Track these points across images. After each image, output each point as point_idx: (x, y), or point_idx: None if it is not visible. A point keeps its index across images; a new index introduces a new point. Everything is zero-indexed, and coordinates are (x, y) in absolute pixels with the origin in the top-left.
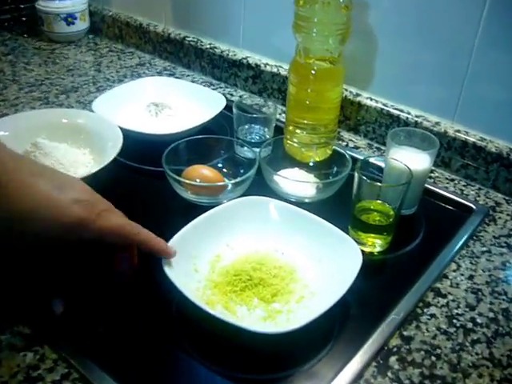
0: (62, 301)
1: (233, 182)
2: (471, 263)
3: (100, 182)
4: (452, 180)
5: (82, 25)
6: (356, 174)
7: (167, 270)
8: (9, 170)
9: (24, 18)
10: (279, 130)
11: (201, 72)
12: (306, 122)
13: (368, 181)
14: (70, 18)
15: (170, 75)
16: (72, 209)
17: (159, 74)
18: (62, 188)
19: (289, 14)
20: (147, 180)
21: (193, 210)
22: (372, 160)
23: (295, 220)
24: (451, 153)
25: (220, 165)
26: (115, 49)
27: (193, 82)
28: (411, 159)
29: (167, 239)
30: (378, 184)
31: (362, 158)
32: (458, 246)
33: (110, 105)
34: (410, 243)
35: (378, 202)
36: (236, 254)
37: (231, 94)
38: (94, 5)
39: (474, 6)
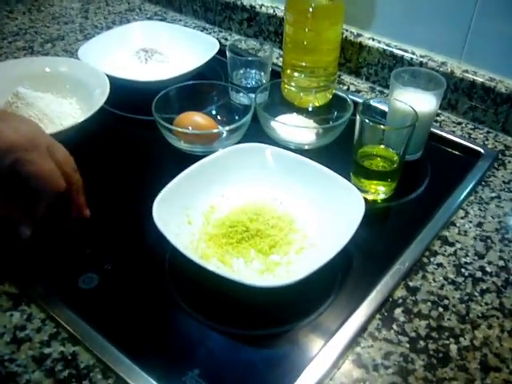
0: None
1: (227, 128)
2: (480, 210)
3: (88, 132)
4: (459, 123)
5: None
6: (358, 118)
7: (158, 222)
8: None
9: None
10: (276, 75)
11: (193, 16)
12: (304, 64)
13: (370, 124)
14: None
15: (160, 20)
16: (8, 133)
17: (149, 19)
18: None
19: None
20: (137, 130)
21: (186, 160)
22: (374, 103)
23: (294, 167)
24: (458, 94)
25: (214, 112)
26: None
27: (185, 26)
28: (416, 101)
29: (157, 189)
30: (381, 127)
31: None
32: (465, 192)
33: (97, 52)
34: (416, 190)
35: (382, 146)
36: (232, 205)
37: (225, 39)
38: None
39: None
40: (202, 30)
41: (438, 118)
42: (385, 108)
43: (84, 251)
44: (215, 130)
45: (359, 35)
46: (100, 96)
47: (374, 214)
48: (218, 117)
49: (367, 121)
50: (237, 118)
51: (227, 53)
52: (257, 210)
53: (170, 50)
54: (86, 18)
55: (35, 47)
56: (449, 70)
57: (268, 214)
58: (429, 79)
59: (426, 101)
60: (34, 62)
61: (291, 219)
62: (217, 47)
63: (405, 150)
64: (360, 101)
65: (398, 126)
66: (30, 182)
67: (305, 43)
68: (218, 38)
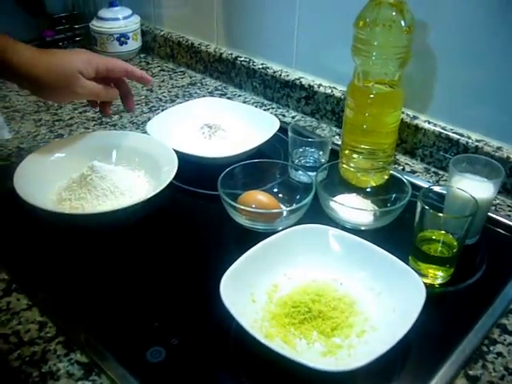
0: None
1: (289, 209)
2: None
3: (154, 204)
4: None
5: (134, 44)
6: (418, 204)
7: (225, 300)
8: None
9: (78, 38)
10: (333, 153)
11: (252, 92)
12: (363, 146)
13: (431, 211)
14: (122, 38)
15: (221, 95)
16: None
17: (210, 93)
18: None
19: (344, 33)
20: (201, 203)
21: (248, 236)
22: (434, 188)
23: (354, 249)
24: None
25: (275, 189)
26: (166, 68)
27: (244, 102)
28: (474, 188)
29: (221, 264)
30: (443, 215)
31: (424, 185)
32: None
33: (164, 126)
34: (473, 275)
35: (441, 232)
36: (294, 284)
37: (283, 115)
38: (146, 24)
39: None
40: (260, 106)
41: (493, 202)
42: (443, 191)
43: (152, 325)
44: (277, 210)
45: (415, 117)
46: (168, 173)
47: (431, 299)
48: (280, 194)
49: (428, 207)
50: (298, 196)
51: (289, 133)
52: (318, 290)
53: (233, 126)
54: (151, 91)
55: (104, 118)
56: (505, 154)
57: (329, 295)
58: (486, 166)
59: (485, 188)
60: (107, 135)
61: (352, 301)
62: (277, 125)
63: (464, 236)
64: (416, 182)
65: (458, 213)
66: (112, 69)
67: (364, 127)
68: (276, 114)
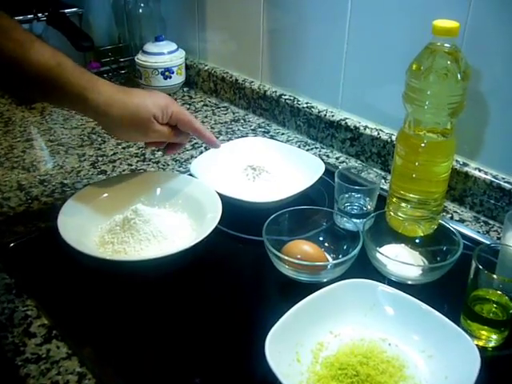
0: None
1: (335, 262)
2: None
3: (196, 249)
4: None
5: (178, 78)
6: (473, 263)
7: (270, 359)
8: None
9: (123, 71)
10: (380, 199)
11: (296, 131)
12: (411, 195)
13: (486, 272)
14: (167, 72)
15: (264, 133)
16: (162, 96)
17: (253, 131)
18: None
19: (393, 74)
20: (243, 248)
21: (291, 285)
22: (489, 245)
23: (404, 308)
24: None
25: (321, 238)
26: (209, 103)
27: (287, 140)
28: None
29: (264, 317)
30: (498, 277)
31: (474, 236)
32: None
33: (208, 167)
34: None
35: (496, 292)
36: (340, 343)
37: (327, 156)
38: (190, 58)
39: None
40: (304, 145)
41: None
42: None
43: (193, 381)
44: (323, 263)
45: (465, 164)
46: (213, 219)
47: (483, 363)
48: (326, 243)
49: (482, 267)
50: (344, 246)
51: (336, 179)
52: (366, 351)
53: (277, 168)
54: None
55: (147, 154)
56: None
57: (378, 357)
58: None
59: None
60: (151, 176)
61: (401, 364)
62: (322, 169)
63: None
64: (466, 232)
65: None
66: (184, 123)
67: (414, 175)
68: (319, 155)
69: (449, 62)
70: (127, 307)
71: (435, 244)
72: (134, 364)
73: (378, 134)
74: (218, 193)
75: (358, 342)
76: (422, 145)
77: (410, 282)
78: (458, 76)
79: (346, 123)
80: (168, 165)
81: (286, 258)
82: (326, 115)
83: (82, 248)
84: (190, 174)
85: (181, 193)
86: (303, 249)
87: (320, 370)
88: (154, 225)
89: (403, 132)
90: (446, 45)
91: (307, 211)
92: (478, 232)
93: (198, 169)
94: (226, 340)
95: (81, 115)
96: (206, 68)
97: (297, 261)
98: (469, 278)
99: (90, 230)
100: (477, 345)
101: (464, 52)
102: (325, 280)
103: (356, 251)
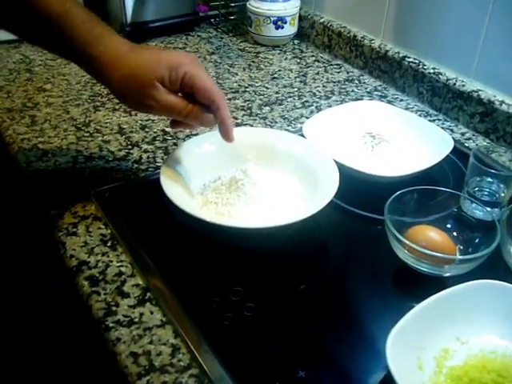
0: None
1: (467, 257)
2: None
3: (306, 222)
4: None
5: (290, 29)
6: None
7: (391, 364)
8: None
9: (232, 17)
10: None
11: (417, 98)
12: None
13: None
14: (279, 22)
15: (381, 97)
16: (176, 54)
17: (369, 93)
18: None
19: None
20: (357, 224)
21: (409, 274)
22: None
23: None
24: None
25: (449, 225)
26: (322, 59)
27: (407, 108)
28: None
29: (377, 307)
30: None
31: None
32: None
33: (321, 129)
34: None
35: None
36: (469, 352)
37: (451, 130)
38: (305, 9)
39: None
40: (425, 116)
41: None
42: None
43: (297, 374)
44: (452, 257)
45: None
46: (328, 190)
47: None
48: (454, 232)
49: None
50: (476, 239)
51: (470, 159)
52: (501, 368)
53: (398, 139)
54: (305, 84)
55: (253, 108)
56: None
57: None
58: None
59: None
60: (263, 133)
61: None
62: (451, 146)
63: None
64: None
65: None
66: (199, 89)
67: None
68: (442, 128)
69: None
70: (225, 276)
71: None
72: (231, 345)
73: None
74: (335, 160)
75: (490, 355)
76: None
77: None
78: None
79: (478, 95)
80: (276, 122)
81: (410, 243)
82: (455, 84)
83: (184, 206)
84: (301, 135)
85: (293, 155)
86: (431, 236)
87: (445, 382)
88: (264, 189)
89: None
90: None
91: (432, 192)
92: None
93: (311, 130)
94: (336, 332)
95: None
96: (322, 20)
97: (422, 249)
98: None
99: (194, 185)
100: None
101: None
102: (447, 274)
103: (493, 247)
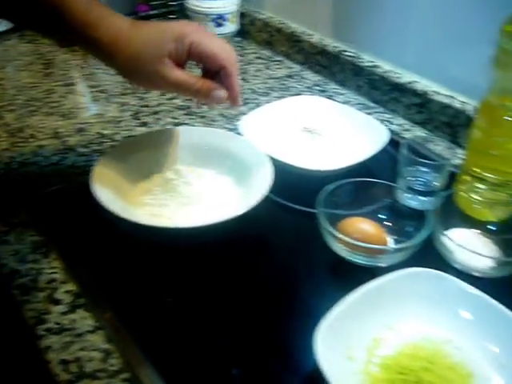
0: None
1: (399, 246)
2: None
3: (241, 218)
4: None
5: (230, 27)
6: None
7: (320, 356)
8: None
9: (172, 16)
10: (451, 175)
11: (356, 91)
12: (488, 175)
13: None
14: (219, 19)
15: (320, 92)
16: (178, 25)
17: (309, 88)
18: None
19: (478, 36)
20: (293, 219)
21: (345, 266)
22: None
23: (478, 308)
24: None
25: (381, 215)
26: (263, 55)
27: (346, 102)
28: None
29: (312, 299)
30: None
31: None
32: None
33: (259, 126)
34: None
35: None
36: (400, 341)
37: (389, 122)
38: (245, 6)
39: None
40: (364, 109)
41: None
42: None
43: (230, 372)
44: (384, 247)
45: None
46: (262, 186)
47: None
48: (387, 222)
49: None
50: (408, 227)
51: (403, 150)
52: (430, 355)
53: (335, 133)
54: (245, 81)
55: (192, 107)
56: None
57: (443, 363)
58: None
59: None
60: (197, 132)
61: (469, 373)
62: (386, 137)
63: None
64: None
65: None
66: (207, 57)
67: (494, 152)
68: (381, 120)
69: None
70: (162, 280)
71: (510, 232)
72: (164, 346)
73: (451, 101)
74: (270, 156)
75: (421, 342)
76: (507, 118)
77: (478, 274)
78: None
79: (413, 87)
80: (215, 120)
81: (342, 236)
82: (391, 76)
83: (117, 209)
84: (239, 133)
85: (228, 153)
86: (362, 227)
87: (376, 372)
88: (197, 188)
89: (487, 102)
90: None
91: (367, 184)
92: None
93: (248, 127)
94: (268, 326)
95: None
96: (262, 17)
97: (353, 241)
98: None
99: (128, 188)
100: None
101: None
102: (382, 264)
103: (424, 235)
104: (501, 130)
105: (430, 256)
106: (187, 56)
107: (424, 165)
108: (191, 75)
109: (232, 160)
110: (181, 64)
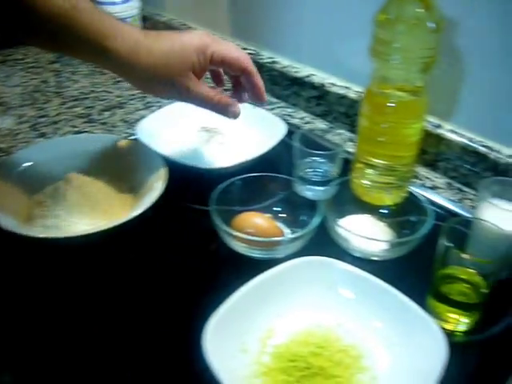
0: None
1: (290, 237)
2: None
3: (135, 220)
4: None
5: None
6: (441, 240)
7: (209, 352)
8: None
9: None
10: (347, 164)
11: None
12: (378, 160)
13: (455, 251)
14: None
15: (224, 91)
16: (196, 36)
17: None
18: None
19: (364, 25)
20: (192, 219)
21: (244, 262)
22: (459, 220)
23: (364, 290)
24: None
25: (277, 208)
26: None
27: None
28: (508, 219)
29: (212, 298)
30: (468, 257)
31: (447, 205)
32: None
33: (156, 129)
34: (503, 320)
35: (468, 270)
36: (293, 329)
37: (291, 116)
38: (147, 9)
39: None
40: (267, 104)
41: None
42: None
43: (125, 374)
44: (276, 239)
45: (439, 126)
46: (155, 189)
47: (452, 349)
48: (282, 214)
49: (451, 245)
50: (303, 217)
51: (294, 143)
52: (320, 340)
53: (234, 130)
54: None
55: (93, 114)
56: None
57: (333, 347)
58: None
59: None
60: (89, 140)
61: (359, 354)
62: (284, 131)
63: (494, 277)
64: (437, 201)
65: (487, 249)
66: (230, 64)
67: (380, 139)
68: (283, 115)
69: (419, 11)
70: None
71: (403, 214)
72: (49, 353)
73: (346, 92)
74: (166, 157)
75: (314, 328)
76: (390, 104)
77: (375, 258)
78: (430, 26)
79: (310, 80)
80: (115, 127)
81: (234, 233)
82: (289, 71)
83: (7, 224)
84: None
85: (122, 159)
86: (255, 222)
87: (269, 362)
88: (90, 195)
89: (370, 90)
90: None
91: (263, 178)
92: (452, 200)
93: (145, 131)
94: (162, 325)
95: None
96: (163, 19)
97: (245, 236)
98: (436, 255)
99: (20, 201)
100: (445, 329)
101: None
102: (281, 256)
103: (314, 224)
104: (384, 117)
105: (329, 244)
106: (208, 66)
107: (317, 155)
108: (212, 90)
109: (126, 165)
110: (200, 75)
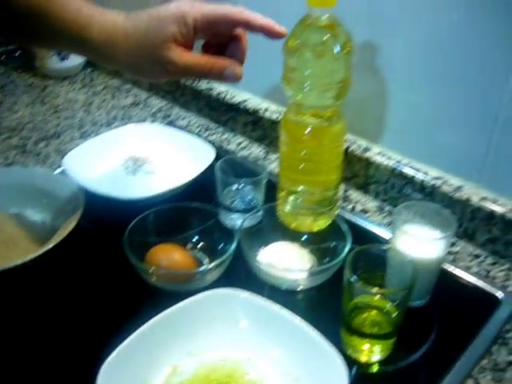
0: None
1: (203, 268)
2: (493, 380)
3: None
4: (477, 256)
5: (76, 59)
6: (346, 272)
7: None
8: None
9: (18, 53)
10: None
11: (198, 114)
12: (301, 186)
13: (358, 284)
14: (63, 53)
15: (164, 117)
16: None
17: (153, 115)
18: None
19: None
20: (112, 252)
21: (160, 295)
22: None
23: (269, 321)
24: (475, 224)
25: (195, 238)
26: (111, 85)
27: (188, 125)
28: (421, 244)
29: (122, 332)
30: (373, 290)
31: (374, 230)
32: (477, 355)
33: (84, 160)
34: (418, 348)
35: (377, 297)
36: (197, 365)
37: (228, 141)
38: None
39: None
40: (205, 130)
41: (452, 249)
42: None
43: None
44: (189, 272)
45: (367, 149)
46: (70, 222)
47: (366, 381)
48: (201, 242)
49: (355, 278)
50: (221, 245)
51: (216, 173)
52: (224, 375)
53: (162, 158)
54: (88, 113)
55: (28, 145)
56: (464, 196)
57: (238, 381)
58: (437, 214)
59: (432, 245)
60: (13, 173)
61: None
62: (212, 156)
63: (404, 306)
64: (364, 225)
65: (399, 274)
66: (218, 23)
67: (301, 166)
68: (221, 140)
69: (325, 37)
70: None
71: (325, 241)
72: None
73: (278, 117)
74: (87, 190)
75: (219, 363)
76: (306, 131)
77: (294, 287)
78: (336, 51)
79: (245, 106)
80: (49, 157)
81: (143, 266)
82: (225, 97)
83: None
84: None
85: (44, 191)
86: (168, 255)
87: None
88: (6, 231)
89: (286, 118)
90: (323, 17)
91: (183, 208)
92: (379, 225)
93: (71, 163)
94: (66, 363)
95: None
96: None
97: (160, 271)
98: (343, 287)
99: None
100: (360, 361)
101: (354, 23)
102: (198, 287)
103: (228, 253)
104: (302, 144)
105: (250, 274)
106: (195, 33)
107: (241, 182)
108: (201, 56)
109: (48, 198)
110: (189, 45)
